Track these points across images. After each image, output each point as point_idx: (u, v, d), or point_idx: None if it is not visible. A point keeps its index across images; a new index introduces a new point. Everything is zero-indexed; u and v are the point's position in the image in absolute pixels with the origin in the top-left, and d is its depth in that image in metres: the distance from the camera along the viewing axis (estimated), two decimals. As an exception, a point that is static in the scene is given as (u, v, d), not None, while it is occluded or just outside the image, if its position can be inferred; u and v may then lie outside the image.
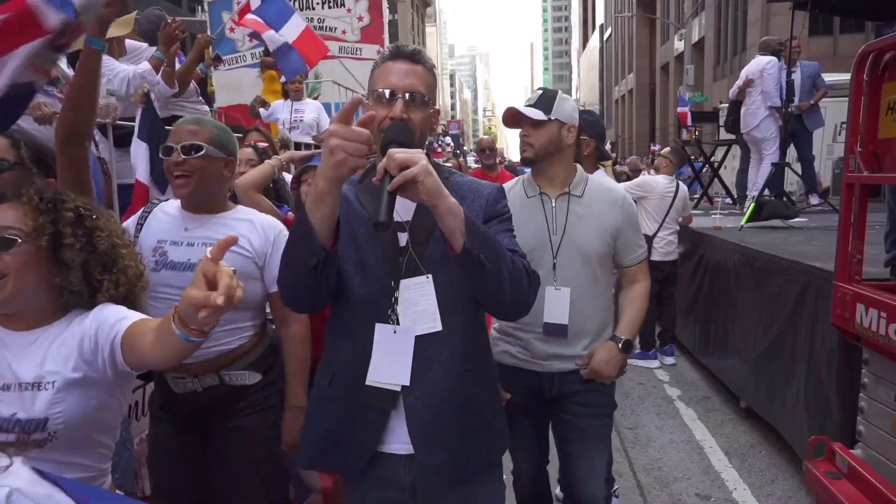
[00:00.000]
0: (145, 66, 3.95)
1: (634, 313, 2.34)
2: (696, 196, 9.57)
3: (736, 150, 9.14)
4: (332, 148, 1.24)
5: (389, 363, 1.50)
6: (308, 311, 1.85)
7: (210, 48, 5.16)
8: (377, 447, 1.54)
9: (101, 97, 2.31)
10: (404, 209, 1.49)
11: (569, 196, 2.24)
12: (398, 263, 1.51)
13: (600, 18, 70.45)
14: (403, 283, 1.50)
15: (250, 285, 1.88)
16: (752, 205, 5.90)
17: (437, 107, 1.57)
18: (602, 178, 2.78)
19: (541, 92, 2.26)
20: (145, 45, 4.48)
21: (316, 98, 7.57)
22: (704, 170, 10.62)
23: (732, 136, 8.65)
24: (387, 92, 1.46)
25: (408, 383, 1.50)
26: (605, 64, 65.73)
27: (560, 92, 2.28)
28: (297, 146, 5.42)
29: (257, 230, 2.03)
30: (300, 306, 1.57)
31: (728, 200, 9.09)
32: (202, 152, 1.93)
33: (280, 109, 6.31)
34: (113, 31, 2.84)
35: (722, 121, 9.21)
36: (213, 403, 2.00)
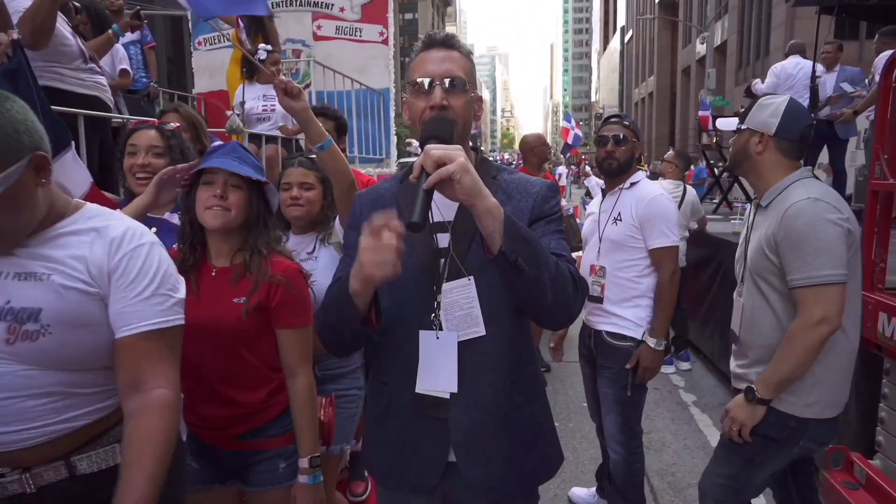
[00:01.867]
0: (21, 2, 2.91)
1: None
2: (716, 201, 9.48)
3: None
4: (361, 263, 1.25)
5: (435, 370, 1.44)
6: (350, 354, 2.07)
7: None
8: (448, 458, 1.48)
9: None
10: (447, 208, 1.43)
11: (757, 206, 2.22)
12: (436, 267, 1.45)
13: (622, 20, 70.03)
14: (445, 286, 1.43)
15: (89, 335, 1.32)
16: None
17: (478, 93, 1.49)
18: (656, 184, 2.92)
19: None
20: None
21: (307, 87, 6.53)
22: (724, 175, 10.51)
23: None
24: (425, 81, 1.40)
25: (455, 390, 1.43)
26: (625, 66, 65.31)
27: (764, 99, 2.24)
28: (271, 142, 4.44)
29: (103, 245, 1.34)
30: (343, 354, 1.74)
31: (748, 206, 8.99)
32: None
33: (245, 95, 4.81)
34: None
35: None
36: None
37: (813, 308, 1.92)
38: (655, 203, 2.80)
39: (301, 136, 4.56)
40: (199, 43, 7.57)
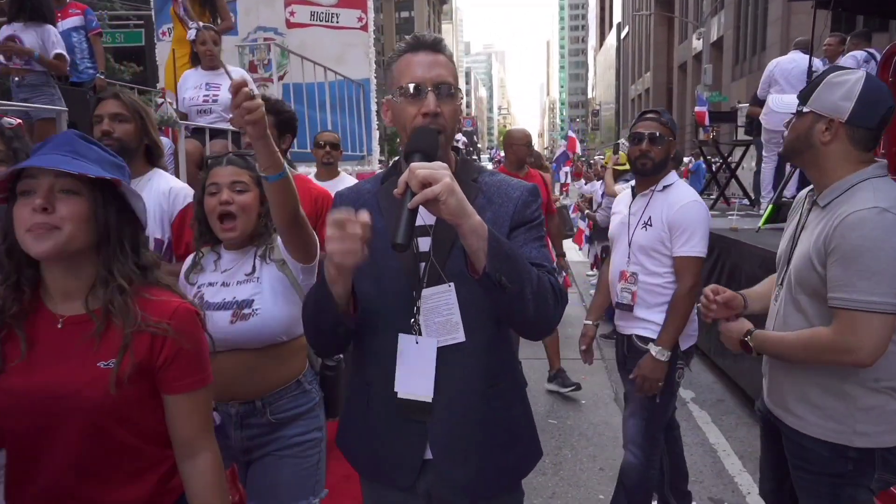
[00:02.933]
0: None
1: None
2: (713, 197, 9.48)
3: (753, 151, 9.04)
4: (330, 253, 1.27)
5: (414, 375, 1.45)
6: (335, 354, 2.07)
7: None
8: (424, 456, 1.50)
9: None
10: (427, 214, 1.39)
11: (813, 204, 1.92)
12: (416, 272, 1.45)
13: (618, 17, 69.98)
14: (425, 292, 1.44)
15: None
16: (770, 206, 5.82)
17: (462, 96, 1.50)
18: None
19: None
20: None
21: (282, 77, 6.11)
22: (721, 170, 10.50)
23: (750, 138, 8.55)
24: (411, 87, 1.39)
25: (432, 396, 1.45)
26: (621, 62, 65.29)
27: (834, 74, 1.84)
28: (215, 136, 4.09)
29: None
30: (328, 352, 1.86)
31: (745, 202, 8.99)
32: None
33: (188, 84, 4.33)
34: None
35: (743, 120, 9.08)
36: None
37: (847, 334, 1.68)
38: (687, 210, 2.63)
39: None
40: (163, 34, 7.01)
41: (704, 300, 2.06)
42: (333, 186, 3.34)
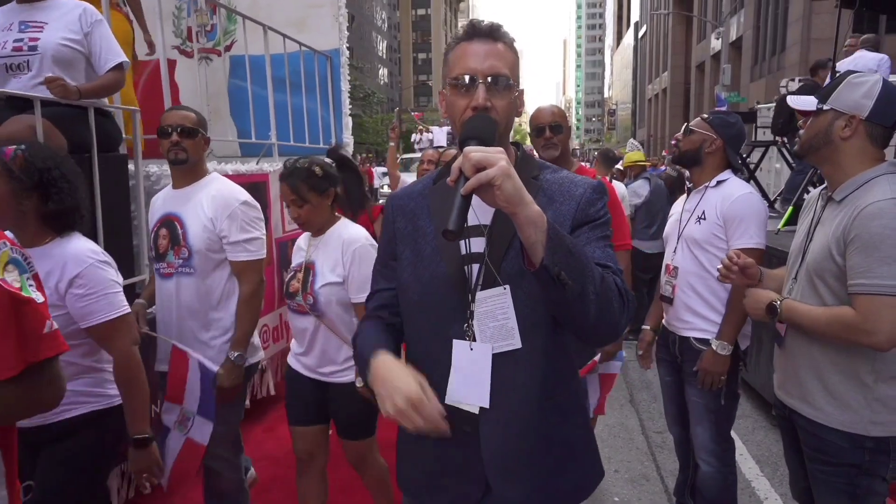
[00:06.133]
0: None
1: None
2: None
3: (772, 152, 8.93)
4: (385, 413, 1.18)
5: (468, 382, 1.36)
6: None
7: None
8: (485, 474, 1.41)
9: None
10: (483, 212, 1.34)
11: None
12: (464, 275, 1.37)
13: (635, 15, 69.49)
14: (480, 295, 1.35)
15: None
16: (791, 208, 5.77)
17: (521, 87, 1.40)
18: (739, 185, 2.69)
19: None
20: None
21: (229, 48, 5.02)
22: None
23: (771, 139, 8.44)
24: (466, 78, 1.31)
25: (487, 405, 1.36)
26: (639, 62, 64.83)
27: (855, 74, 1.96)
28: None
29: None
30: None
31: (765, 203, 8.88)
32: None
33: None
34: None
35: (762, 121, 8.97)
36: None
37: (867, 316, 1.73)
38: (742, 201, 2.60)
39: (99, 104, 2.97)
40: None
41: (727, 261, 2.11)
42: (187, 199, 2.59)
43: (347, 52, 5.77)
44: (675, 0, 43.70)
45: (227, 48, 5.34)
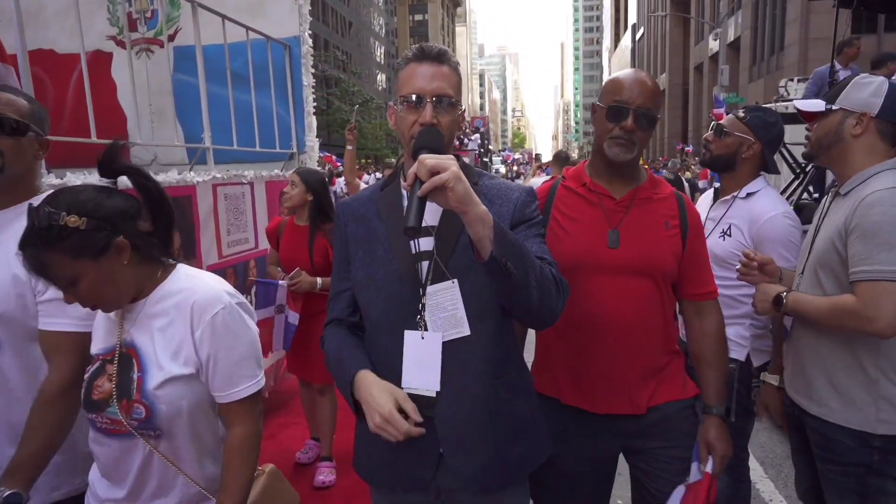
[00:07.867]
0: None
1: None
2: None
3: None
4: (377, 427, 1.41)
5: (420, 369, 1.51)
6: None
7: None
8: (440, 450, 1.53)
9: None
10: (430, 214, 1.48)
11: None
12: (415, 271, 1.52)
13: (633, 18, 69.67)
14: (430, 289, 1.50)
15: None
16: (792, 207, 5.77)
17: (463, 107, 1.57)
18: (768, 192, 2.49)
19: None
20: None
21: (172, 37, 4.41)
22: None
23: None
24: (414, 97, 1.47)
25: (438, 389, 1.50)
26: (636, 64, 64.93)
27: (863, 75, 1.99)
28: None
29: None
30: None
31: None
32: None
33: None
34: None
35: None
36: None
37: (867, 303, 1.72)
38: (772, 224, 2.40)
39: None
40: None
41: (746, 260, 2.12)
42: None
43: (310, 42, 4.91)
44: (673, 2, 43.83)
45: (171, 37, 4.57)
